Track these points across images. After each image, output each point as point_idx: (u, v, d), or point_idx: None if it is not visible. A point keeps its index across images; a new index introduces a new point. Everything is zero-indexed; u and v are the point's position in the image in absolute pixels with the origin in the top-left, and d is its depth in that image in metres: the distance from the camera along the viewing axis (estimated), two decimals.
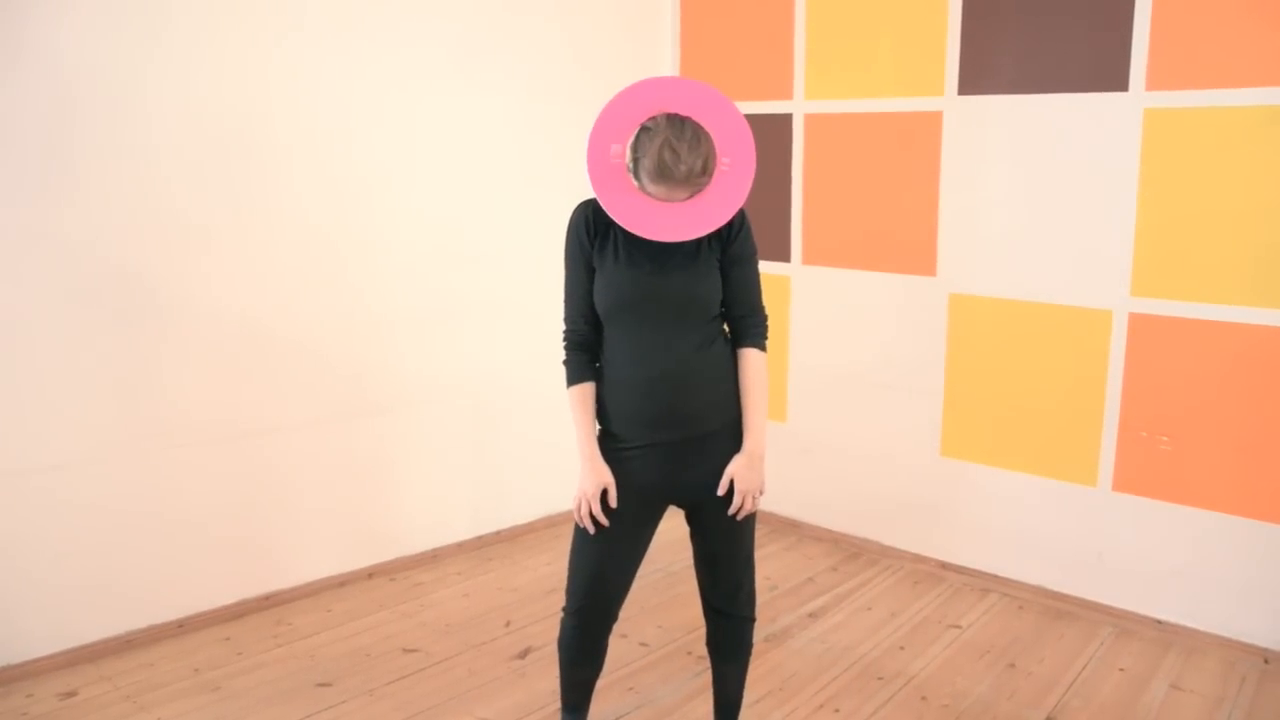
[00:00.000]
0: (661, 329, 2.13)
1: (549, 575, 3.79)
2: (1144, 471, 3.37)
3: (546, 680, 3.02)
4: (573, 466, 4.77)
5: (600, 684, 2.98)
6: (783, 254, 4.22)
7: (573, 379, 2.22)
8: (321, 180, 3.45)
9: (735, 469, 2.19)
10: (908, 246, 3.83)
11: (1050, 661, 3.18)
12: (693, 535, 2.35)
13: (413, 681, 3.00)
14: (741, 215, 2.21)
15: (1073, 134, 3.39)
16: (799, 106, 4.10)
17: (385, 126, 3.61)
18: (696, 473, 2.22)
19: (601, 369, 2.23)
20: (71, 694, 2.90)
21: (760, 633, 3.35)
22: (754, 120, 4.22)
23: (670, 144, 2.00)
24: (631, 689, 2.98)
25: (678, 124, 2.03)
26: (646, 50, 4.45)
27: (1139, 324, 3.33)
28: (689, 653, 3.20)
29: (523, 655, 3.18)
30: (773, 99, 4.17)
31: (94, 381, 3.04)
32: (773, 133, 4.18)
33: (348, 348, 3.60)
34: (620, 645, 3.25)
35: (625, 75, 4.39)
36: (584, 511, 2.19)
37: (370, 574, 3.74)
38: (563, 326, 2.24)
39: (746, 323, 2.24)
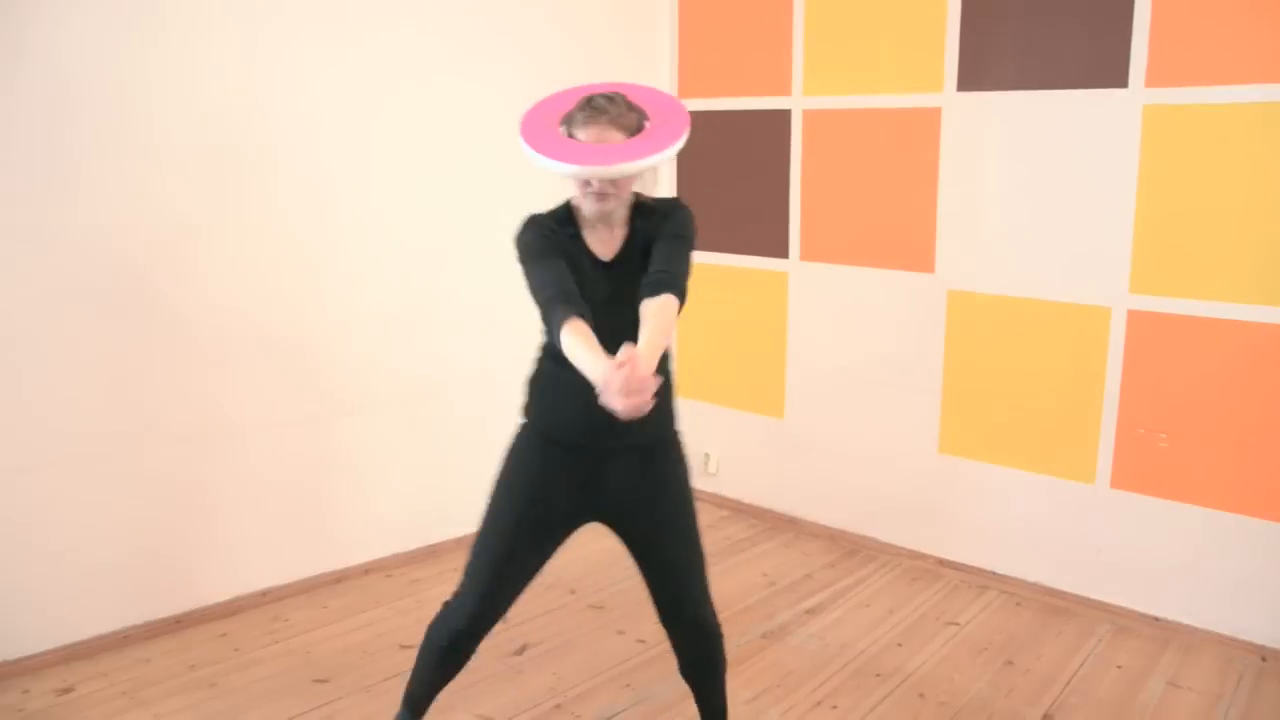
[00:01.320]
0: (616, 338, 1.97)
1: (545, 572, 3.76)
2: (1142, 469, 3.37)
3: (543, 677, 3.01)
4: None
5: (598, 681, 3.00)
6: (781, 250, 4.21)
7: (563, 316, 1.95)
8: (319, 179, 3.44)
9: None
10: (906, 243, 3.83)
11: (1048, 658, 3.18)
12: (633, 551, 2.27)
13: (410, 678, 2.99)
14: (678, 204, 2.22)
15: (1072, 130, 3.38)
16: (798, 103, 4.09)
17: (379, 125, 3.59)
18: (629, 484, 2.17)
19: (542, 367, 2.20)
20: (68, 690, 2.89)
21: (758, 629, 3.35)
22: (753, 116, 4.23)
23: (597, 94, 2.09)
24: (629, 686, 2.98)
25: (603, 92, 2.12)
26: (645, 46, 4.44)
27: (1138, 321, 3.32)
28: None
29: (519, 652, 3.17)
30: (771, 95, 4.16)
31: (91, 378, 3.03)
32: (771, 129, 4.17)
33: (345, 344, 3.59)
34: (618, 642, 3.25)
35: (623, 72, 4.39)
36: (623, 378, 1.82)
37: (366, 570, 3.74)
38: (541, 297, 2.04)
39: (658, 276, 2.04)
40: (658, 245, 2.12)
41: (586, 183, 2.04)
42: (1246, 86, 3.04)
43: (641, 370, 1.81)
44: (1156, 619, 3.38)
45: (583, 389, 1.91)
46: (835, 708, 2.87)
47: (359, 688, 2.93)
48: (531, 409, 2.24)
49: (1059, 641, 3.29)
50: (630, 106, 2.09)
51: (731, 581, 3.73)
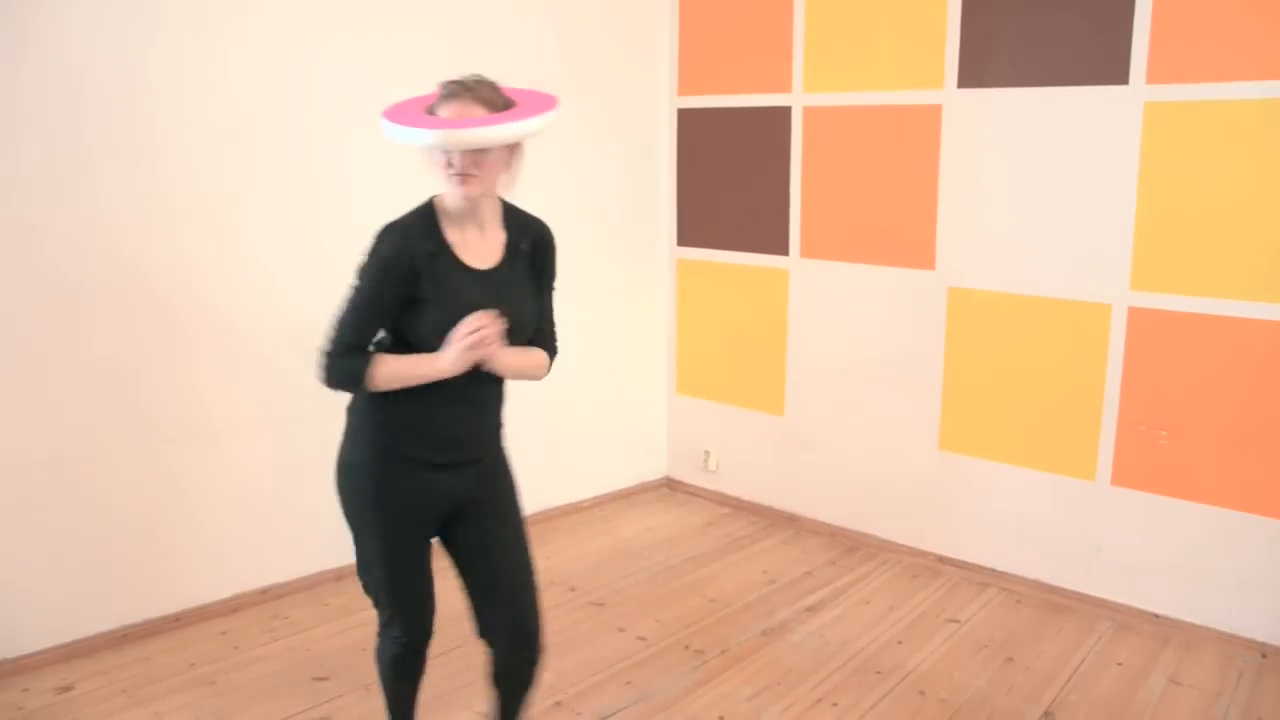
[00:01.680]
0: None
1: (544, 569, 3.77)
2: (1143, 466, 3.37)
3: (545, 674, 3.00)
4: (568, 459, 4.77)
5: (598, 678, 3.00)
6: (781, 247, 4.21)
7: (363, 365, 1.98)
8: (318, 178, 3.43)
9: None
10: (907, 240, 3.82)
11: (1048, 655, 3.18)
12: (466, 561, 2.22)
13: None
14: (550, 237, 2.19)
15: (1073, 127, 3.38)
16: (798, 99, 4.08)
17: (378, 124, 3.58)
18: (463, 486, 2.14)
19: (372, 396, 2.06)
20: (68, 688, 2.89)
21: (758, 627, 3.35)
22: (753, 113, 4.23)
23: (463, 76, 2.04)
24: (629, 683, 2.98)
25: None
26: (645, 44, 4.43)
27: (1138, 318, 3.32)
28: (686, 647, 3.20)
29: None
30: (771, 91, 4.15)
31: (90, 376, 3.02)
32: (772, 126, 4.17)
33: None
34: (618, 639, 3.25)
35: (623, 70, 4.40)
36: (480, 332, 1.94)
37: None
38: (325, 346, 2.01)
39: (546, 337, 2.21)
40: (544, 292, 2.18)
41: (449, 163, 1.96)
42: (1247, 83, 3.03)
43: (489, 322, 1.93)
44: (1157, 616, 3.38)
45: (423, 409, 2.01)
46: (835, 705, 2.87)
47: (359, 685, 2.93)
48: (368, 434, 2.09)
49: (1059, 639, 3.29)
50: (497, 89, 2.03)
51: (731, 579, 3.73)
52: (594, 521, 4.32)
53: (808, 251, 4.14)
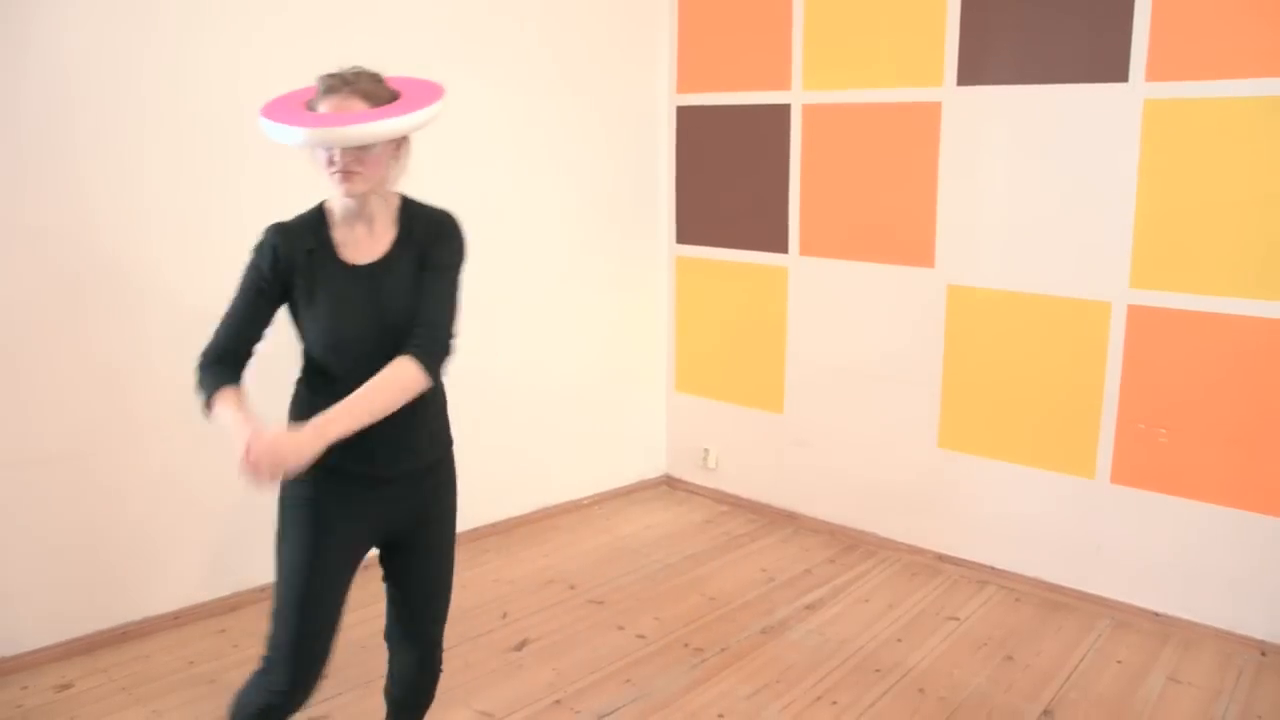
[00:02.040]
0: (369, 353, 1.91)
1: (544, 568, 3.79)
2: (1142, 464, 3.37)
3: (544, 673, 3.01)
4: (567, 458, 4.77)
5: (597, 676, 2.99)
6: (780, 245, 4.20)
7: (211, 388, 1.92)
8: (316, 176, 3.42)
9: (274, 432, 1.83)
10: (906, 238, 3.82)
11: (1048, 653, 3.18)
12: (393, 572, 2.15)
13: None
14: (453, 224, 2.04)
15: (1072, 125, 3.38)
16: (797, 97, 4.08)
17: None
18: (405, 506, 2.04)
19: (303, 394, 2.03)
20: (67, 686, 2.89)
21: (757, 625, 3.35)
22: (753, 111, 4.22)
23: (342, 69, 1.93)
24: (629, 681, 2.98)
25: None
26: (644, 41, 4.43)
27: (1138, 316, 3.32)
28: (686, 645, 3.20)
29: (519, 647, 3.17)
30: (771, 89, 4.15)
31: (89, 375, 3.02)
32: (771, 124, 4.16)
33: None
34: (618, 637, 3.25)
35: (622, 67, 4.39)
36: (251, 453, 1.78)
37: (365, 565, 3.71)
38: (204, 348, 1.96)
39: (416, 333, 1.93)
40: (426, 278, 1.96)
41: (330, 161, 1.86)
42: (1247, 81, 3.03)
43: (265, 449, 1.75)
44: (1156, 614, 3.38)
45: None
46: (835, 703, 2.87)
47: (358, 683, 2.92)
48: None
49: (1059, 637, 3.29)
50: (379, 81, 1.92)
51: (730, 577, 3.73)
52: (593, 519, 4.32)
53: (807, 249, 4.13)
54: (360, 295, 1.93)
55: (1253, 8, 3.01)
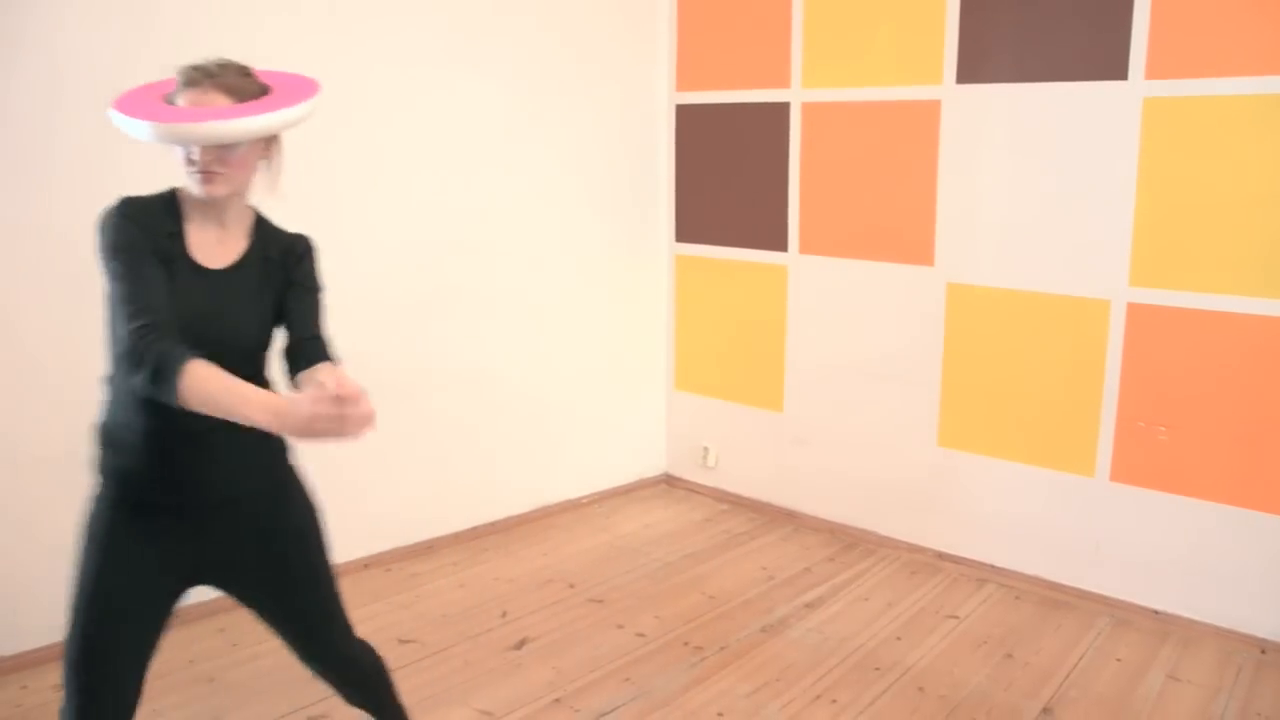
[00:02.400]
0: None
1: (544, 566, 3.78)
2: (1142, 462, 3.36)
3: (543, 671, 3.01)
4: (567, 456, 4.77)
5: (597, 675, 2.99)
6: (779, 244, 4.20)
7: (183, 357, 1.61)
8: (315, 175, 3.42)
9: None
10: (905, 236, 3.82)
11: (1047, 652, 3.18)
12: (257, 609, 1.96)
13: (409, 672, 2.99)
14: (307, 245, 1.93)
15: (1072, 123, 3.37)
16: (796, 95, 4.07)
17: (375, 121, 3.58)
18: (229, 540, 1.85)
19: (113, 414, 1.85)
20: None
21: (757, 623, 3.34)
22: (752, 109, 4.22)
23: (206, 60, 1.78)
24: (628, 680, 2.98)
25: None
26: (643, 39, 4.42)
27: (1137, 314, 3.32)
28: (686, 643, 3.20)
29: (519, 646, 3.17)
30: (770, 87, 4.15)
31: (88, 375, 3.01)
32: (770, 122, 4.16)
33: (341, 339, 3.56)
34: (618, 636, 3.25)
35: (622, 65, 4.39)
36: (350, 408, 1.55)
37: (365, 564, 3.73)
38: (133, 324, 1.68)
39: (318, 344, 1.88)
40: (299, 297, 1.87)
41: (190, 159, 1.71)
42: (1247, 78, 3.03)
43: (351, 388, 1.54)
44: (1156, 612, 3.38)
45: (167, 437, 1.71)
46: (834, 701, 2.87)
47: None
48: (104, 467, 1.83)
49: (1058, 635, 3.29)
50: (247, 74, 1.78)
51: (730, 575, 3.73)
52: (593, 518, 4.32)
53: (806, 247, 4.13)
54: (204, 300, 1.77)
55: (1252, 5, 3.01)
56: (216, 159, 1.72)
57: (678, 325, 4.66)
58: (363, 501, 3.72)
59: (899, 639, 3.25)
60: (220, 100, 1.71)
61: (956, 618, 3.41)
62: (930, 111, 3.70)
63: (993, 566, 3.74)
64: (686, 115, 4.48)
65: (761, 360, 4.33)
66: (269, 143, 1.83)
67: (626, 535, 4.13)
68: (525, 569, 3.76)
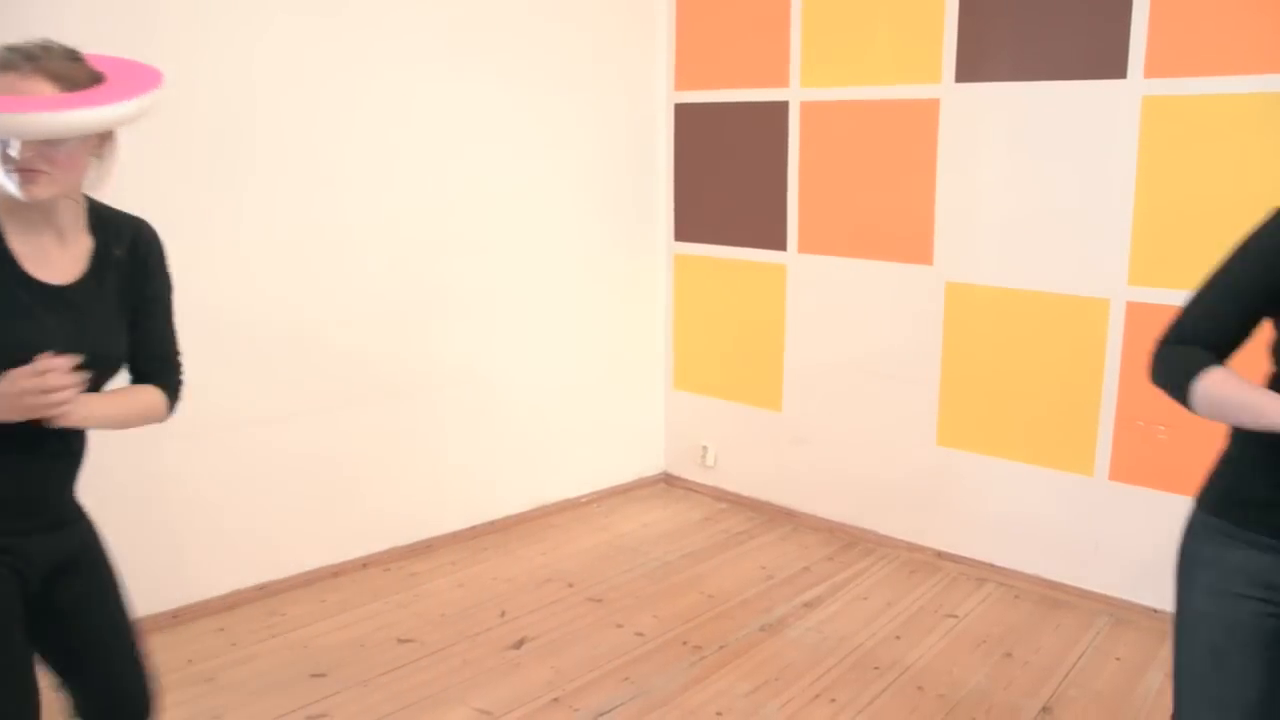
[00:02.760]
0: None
1: (543, 566, 3.78)
2: (1141, 461, 3.36)
3: (542, 671, 3.01)
4: (566, 455, 4.76)
5: (596, 674, 2.99)
6: (778, 243, 4.20)
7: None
8: (315, 174, 3.42)
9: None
10: (904, 235, 3.82)
11: (1046, 651, 3.18)
12: (58, 642, 1.77)
13: (407, 672, 2.99)
14: (158, 242, 1.76)
15: (1071, 121, 3.37)
16: (795, 94, 4.07)
17: (375, 120, 3.58)
18: (48, 571, 1.75)
19: None
20: None
21: (756, 622, 3.34)
22: (751, 108, 4.21)
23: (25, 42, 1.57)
24: (627, 679, 2.98)
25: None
26: (642, 37, 4.42)
27: (1136, 313, 3.32)
28: (684, 643, 3.19)
29: (518, 645, 3.17)
30: (769, 86, 4.14)
31: None
32: (769, 121, 4.16)
33: (340, 338, 3.58)
34: (617, 635, 3.25)
35: (620, 65, 4.39)
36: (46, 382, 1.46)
37: (364, 564, 3.73)
38: None
39: (162, 369, 1.75)
40: (152, 311, 1.73)
41: (6, 156, 1.48)
42: (1246, 77, 3.03)
43: (55, 370, 1.44)
44: (1155, 611, 3.38)
45: (35, 465, 1.62)
46: (834, 700, 2.87)
47: (356, 681, 2.92)
48: None
49: (1058, 633, 3.29)
50: (77, 59, 1.56)
51: (729, 575, 3.73)
52: (591, 517, 4.32)
53: (805, 247, 4.13)
54: (54, 323, 1.56)
55: (1252, 4, 3.01)
56: (41, 156, 1.49)
57: (676, 324, 4.66)
58: (361, 500, 3.72)
59: (898, 638, 3.25)
60: (44, 88, 1.49)
61: (956, 617, 3.41)
62: (929, 110, 3.69)
63: (992, 565, 3.74)
64: (685, 114, 4.48)
65: (760, 359, 4.33)
66: (103, 139, 1.59)
67: (625, 534, 4.13)
68: (524, 568, 3.76)
